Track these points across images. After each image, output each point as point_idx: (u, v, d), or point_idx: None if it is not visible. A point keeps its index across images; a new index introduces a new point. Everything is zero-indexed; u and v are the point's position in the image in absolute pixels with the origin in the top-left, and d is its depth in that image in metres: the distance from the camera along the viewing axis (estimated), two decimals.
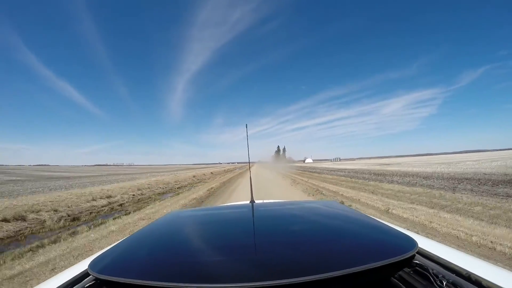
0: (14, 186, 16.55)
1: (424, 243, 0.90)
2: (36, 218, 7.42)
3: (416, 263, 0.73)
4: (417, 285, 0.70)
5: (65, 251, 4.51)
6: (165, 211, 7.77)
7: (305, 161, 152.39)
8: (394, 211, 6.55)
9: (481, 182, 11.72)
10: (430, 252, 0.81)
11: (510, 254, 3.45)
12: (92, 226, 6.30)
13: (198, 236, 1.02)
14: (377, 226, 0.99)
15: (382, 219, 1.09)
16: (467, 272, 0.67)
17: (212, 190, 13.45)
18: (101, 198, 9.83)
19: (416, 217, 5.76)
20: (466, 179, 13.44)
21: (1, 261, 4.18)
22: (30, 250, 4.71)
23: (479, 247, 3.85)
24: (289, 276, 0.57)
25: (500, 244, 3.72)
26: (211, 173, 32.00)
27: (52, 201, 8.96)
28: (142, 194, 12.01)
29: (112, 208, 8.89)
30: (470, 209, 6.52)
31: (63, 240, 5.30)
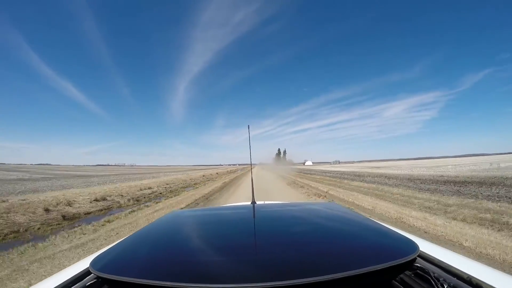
0: (64, 182, 20.52)
1: (425, 247, 0.91)
2: (113, 199, 11.34)
3: (417, 266, 0.73)
4: None
5: (153, 210, 8.43)
6: (196, 196, 11.69)
7: (305, 164, 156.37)
8: (330, 192, 10.65)
9: (424, 182, 15.59)
10: (431, 256, 0.82)
11: (364, 208, 7.39)
12: (154, 202, 10.20)
13: (199, 236, 1.05)
14: (378, 228, 1.02)
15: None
16: (468, 276, 0.67)
17: (225, 183, 17.61)
18: (145, 189, 13.76)
19: (339, 195, 9.84)
20: (418, 179, 17.30)
21: (122, 215, 8.08)
22: (130, 212, 8.61)
23: (351, 204, 7.84)
24: (290, 278, 0.58)
25: (363, 203, 7.74)
26: (217, 173, 35.95)
27: (114, 190, 12.90)
28: (170, 187, 15.93)
29: (157, 195, 12.80)
30: (389, 195, 10.39)
31: (144, 208, 9.19)
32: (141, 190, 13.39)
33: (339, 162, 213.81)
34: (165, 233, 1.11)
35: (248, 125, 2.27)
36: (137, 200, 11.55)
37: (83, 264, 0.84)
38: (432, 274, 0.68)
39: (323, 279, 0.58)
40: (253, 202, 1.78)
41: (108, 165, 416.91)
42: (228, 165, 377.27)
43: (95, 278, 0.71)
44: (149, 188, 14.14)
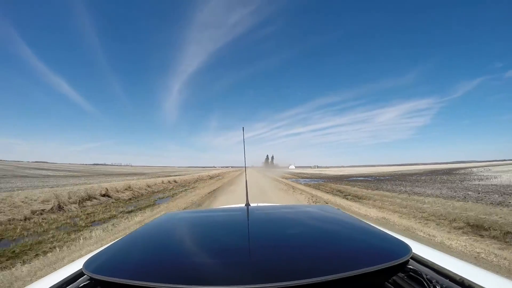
0: (118, 177, 34.65)
1: (418, 249, 0.93)
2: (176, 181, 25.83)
3: (410, 268, 0.75)
4: None
5: (208, 183, 23.22)
6: (222, 182, 26.40)
7: (289, 168, 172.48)
8: (269, 174, 27.18)
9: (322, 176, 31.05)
10: (424, 258, 0.83)
11: (268, 176, 22.60)
12: (202, 182, 24.82)
13: (193, 238, 1.06)
14: (371, 231, 1.04)
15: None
16: (461, 277, 0.68)
17: (233, 177, 33.09)
18: (192, 179, 28.38)
19: (274, 176, 26.32)
20: (329, 174, 32.74)
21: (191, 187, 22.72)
22: (202, 184, 23.22)
23: (269, 177, 23.12)
24: (283, 280, 0.59)
25: (274, 177, 23.31)
26: (218, 174, 50.44)
27: (177, 179, 27.35)
28: (201, 179, 30.54)
29: (203, 180, 27.39)
30: (294, 177, 25.66)
31: (202, 184, 23.69)
32: (195, 179, 28.05)
33: (318, 167, 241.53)
34: (159, 235, 1.13)
35: (243, 127, 2.27)
36: (197, 181, 26.12)
37: (77, 265, 0.85)
38: (424, 276, 0.69)
39: (316, 281, 0.58)
40: (247, 204, 1.83)
41: (105, 164, 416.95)
42: (221, 167, 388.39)
43: (88, 280, 0.72)
44: (197, 178, 28.81)
